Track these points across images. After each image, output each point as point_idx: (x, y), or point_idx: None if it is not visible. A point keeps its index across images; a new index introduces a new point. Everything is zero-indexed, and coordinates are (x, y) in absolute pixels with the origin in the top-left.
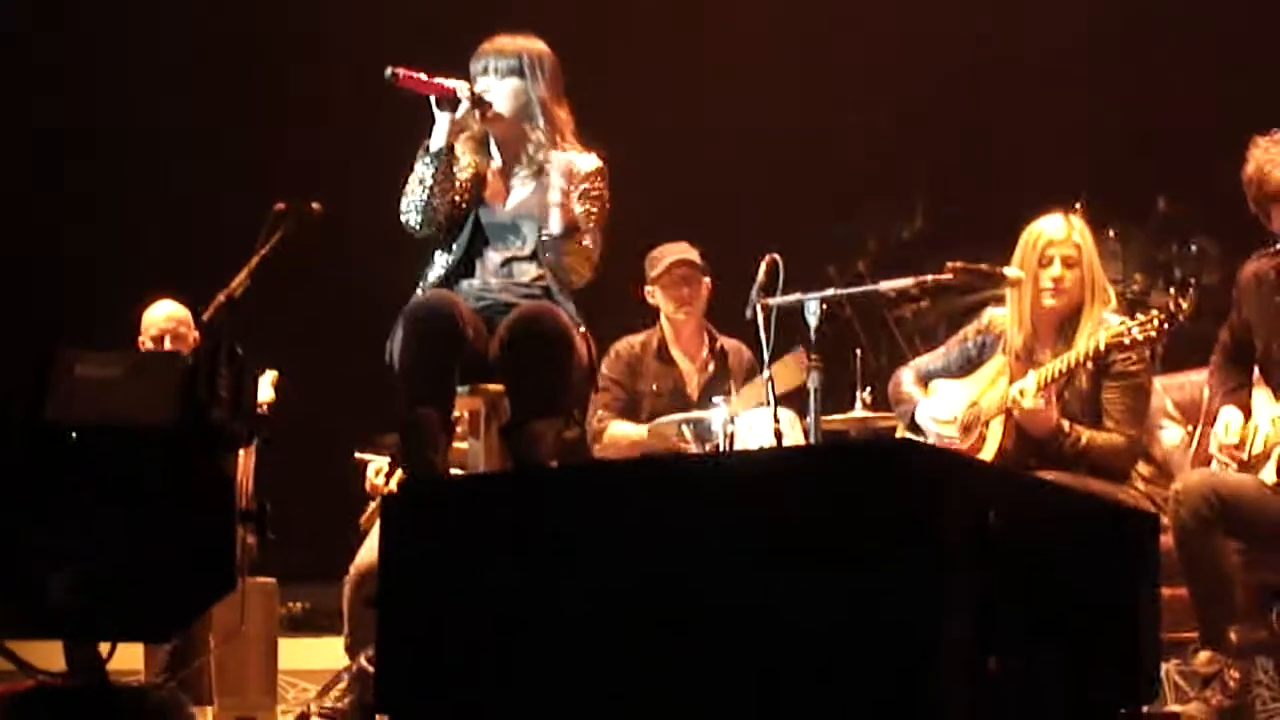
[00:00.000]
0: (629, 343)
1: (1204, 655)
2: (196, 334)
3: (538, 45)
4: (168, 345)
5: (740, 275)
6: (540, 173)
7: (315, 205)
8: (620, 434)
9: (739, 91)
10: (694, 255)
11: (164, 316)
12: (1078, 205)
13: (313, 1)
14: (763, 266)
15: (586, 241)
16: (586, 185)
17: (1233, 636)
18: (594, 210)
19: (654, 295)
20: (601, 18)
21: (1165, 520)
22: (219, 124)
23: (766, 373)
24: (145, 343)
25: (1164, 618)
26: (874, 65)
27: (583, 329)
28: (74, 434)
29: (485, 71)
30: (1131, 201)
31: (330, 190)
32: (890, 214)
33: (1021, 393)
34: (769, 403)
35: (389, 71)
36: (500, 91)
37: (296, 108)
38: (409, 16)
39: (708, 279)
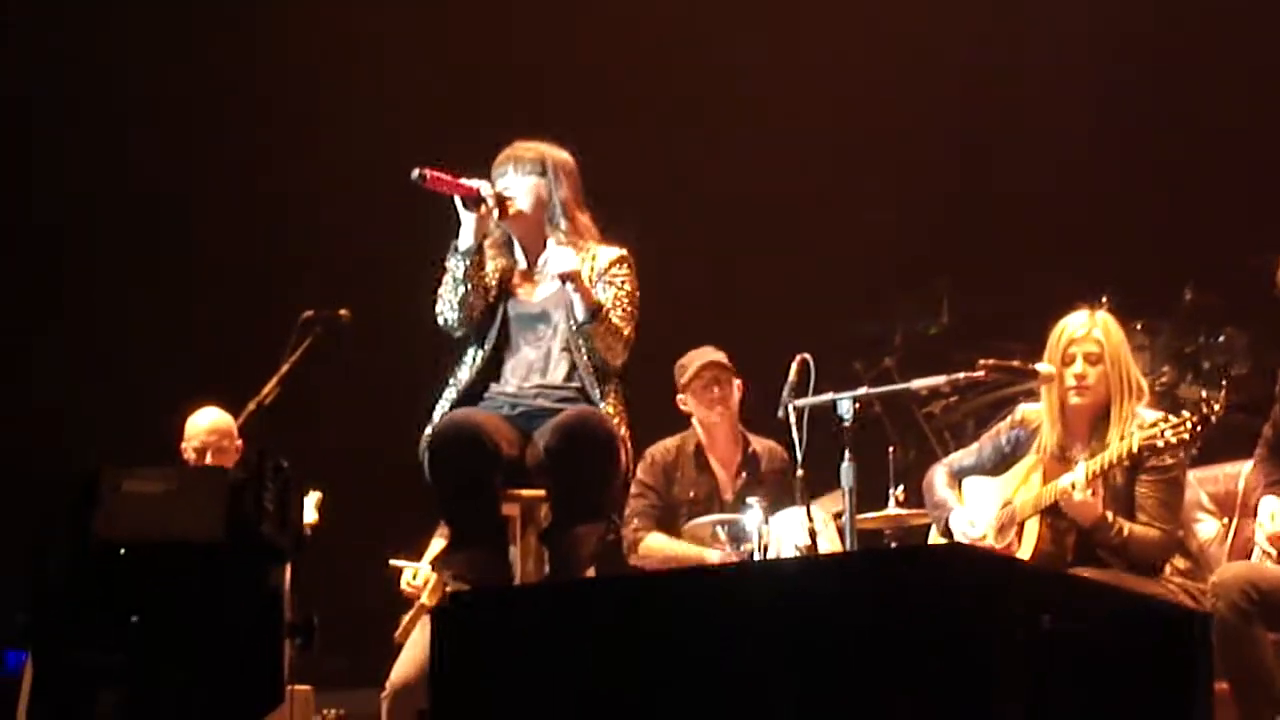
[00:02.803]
0: (664, 448)
1: None
2: (239, 442)
3: (559, 151)
4: (209, 459)
5: (768, 375)
6: None
7: (343, 312)
8: (656, 547)
9: (762, 195)
10: (721, 357)
11: (206, 429)
12: (1103, 300)
13: (338, 107)
14: (793, 367)
15: (614, 319)
16: (611, 273)
17: None
18: (621, 294)
19: (686, 402)
20: (625, 122)
21: None
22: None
23: (800, 471)
24: (188, 452)
25: None
26: (897, 160)
27: (624, 433)
28: (122, 550)
29: (506, 173)
30: (1158, 293)
31: (359, 294)
32: (916, 310)
33: (1073, 485)
34: (801, 502)
35: (416, 173)
36: (521, 187)
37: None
38: (433, 119)
39: (738, 381)
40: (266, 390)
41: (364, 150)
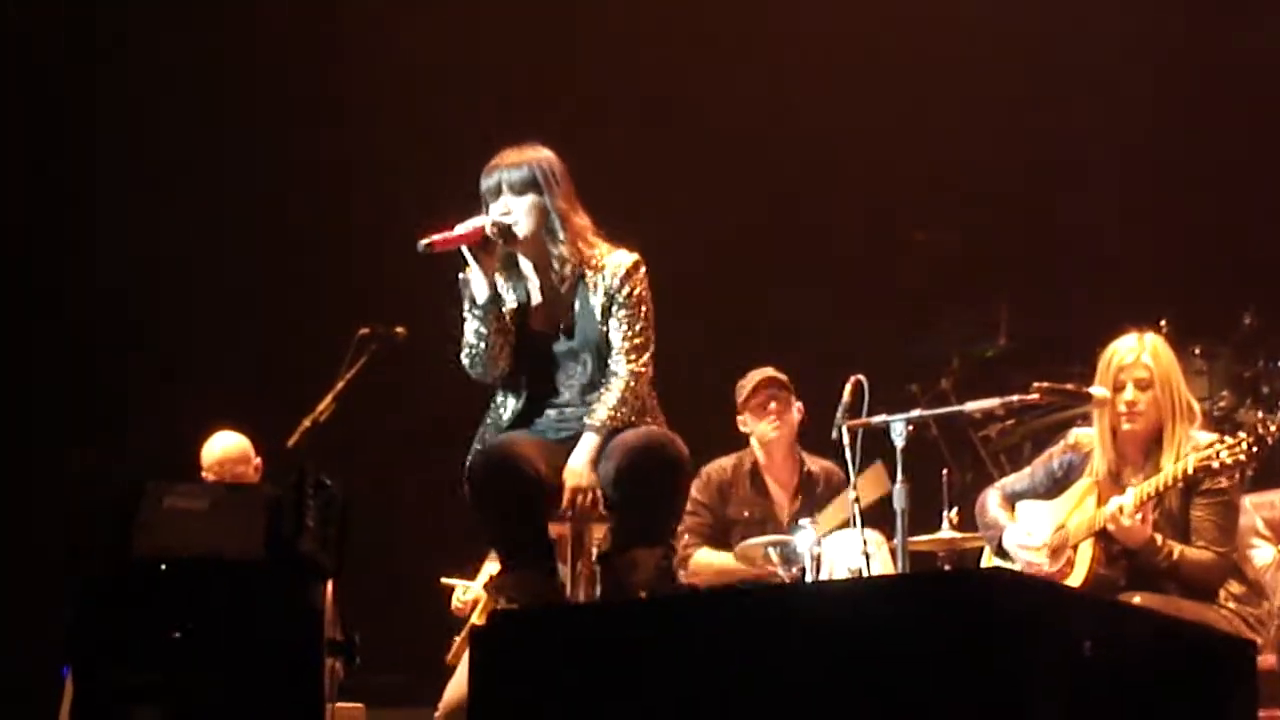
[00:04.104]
0: (720, 466)
1: None
2: (258, 461)
3: (545, 153)
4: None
5: (823, 396)
6: (571, 287)
7: (400, 329)
8: (706, 562)
9: (815, 210)
10: (777, 375)
11: (218, 458)
12: (1161, 324)
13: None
14: (847, 388)
15: (621, 392)
16: (625, 294)
17: None
18: (642, 311)
19: (745, 423)
20: (683, 137)
21: (1260, 640)
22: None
23: (853, 493)
24: (206, 478)
25: None
26: (954, 178)
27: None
28: (163, 566)
29: (499, 189)
30: (1217, 317)
31: (410, 312)
32: (973, 331)
33: (1121, 509)
34: (854, 523)
35: (421, 244)
36: (519, 209)
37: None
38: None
39: (798, 404)
40: (321, 407)
41: (417, 166)
